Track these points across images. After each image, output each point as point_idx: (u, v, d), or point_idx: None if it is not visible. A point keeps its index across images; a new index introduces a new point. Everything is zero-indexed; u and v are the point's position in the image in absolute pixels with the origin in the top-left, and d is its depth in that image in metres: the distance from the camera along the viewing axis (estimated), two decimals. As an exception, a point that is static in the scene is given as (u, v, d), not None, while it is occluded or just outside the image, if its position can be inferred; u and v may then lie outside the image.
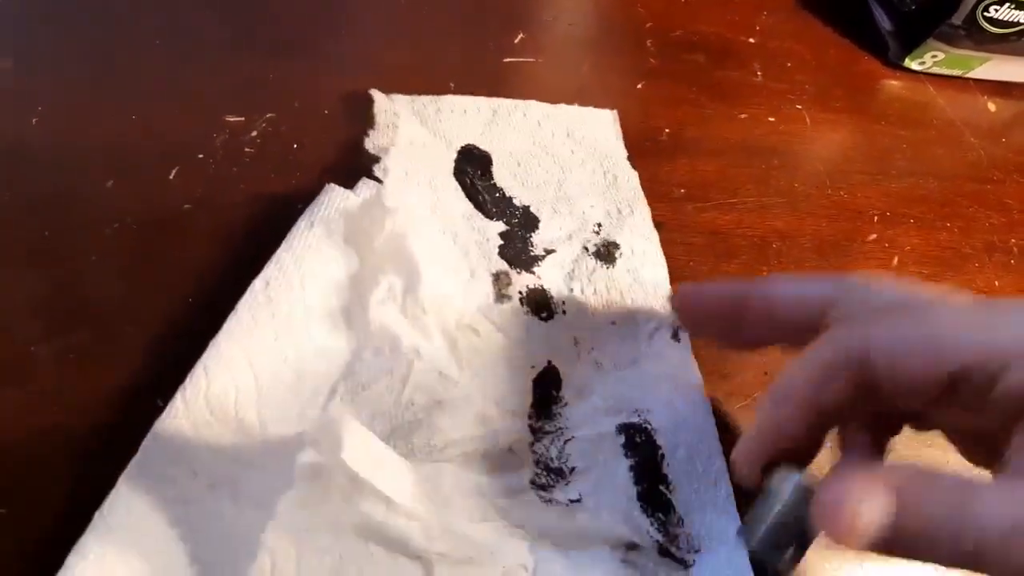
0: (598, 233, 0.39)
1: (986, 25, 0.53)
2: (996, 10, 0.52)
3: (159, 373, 0.29)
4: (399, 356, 0.31)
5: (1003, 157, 0.58)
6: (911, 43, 0.57)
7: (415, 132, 0.39)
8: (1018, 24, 0.54)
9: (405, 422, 0.30)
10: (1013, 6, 0.52)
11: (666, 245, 0.41)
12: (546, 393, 0.33)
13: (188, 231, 0.33)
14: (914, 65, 0.58)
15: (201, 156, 0.35)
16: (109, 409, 0.29)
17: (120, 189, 0.33)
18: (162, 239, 0.32)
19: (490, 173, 0.40)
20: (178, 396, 0.28)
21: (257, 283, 0.30)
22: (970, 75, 0.60)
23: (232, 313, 0.30)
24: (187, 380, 0.28)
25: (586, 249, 0.39)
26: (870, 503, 0.19)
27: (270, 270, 0.31)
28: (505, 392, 0.32)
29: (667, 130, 0.46)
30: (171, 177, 0.34)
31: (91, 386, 0.29)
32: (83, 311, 0.31)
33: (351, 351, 0.31)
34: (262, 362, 0.29)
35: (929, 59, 0.57)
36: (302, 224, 0.32)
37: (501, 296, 0.35)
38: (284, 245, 0.32)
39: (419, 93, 0.41)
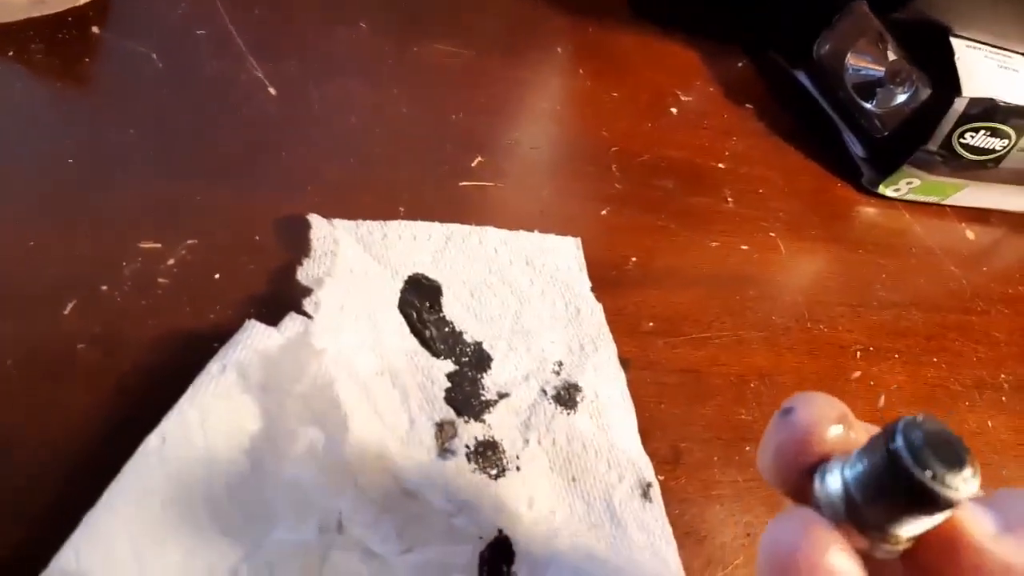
0: (558, 373, 0.35)
1: (962, 151, 0.52)
2: (972, 136, 0.51)
3: (30, 553, 0.24)
4: (317, 528, 0.26)
5: (986, 287, 0.55)
6: (886, 169, 0.55)
7: (356, 260, 0.35)
8: (994, 151, 0.53)
9: (322, 610, 0.25)
10: (989, 133, 0.51)
11: (634, 385, 0.37)
12: (495, 569, 0.28)
13: (79, 376, 0.28)
14: (889, 192, 0.56)
15: (105, 288, 0.30)
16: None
17: (2, 327, 0.28)
18: (47, 386, 0.28)
19: (439, 305, 0.36)
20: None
21: (151, 440, 0.26)
22: (946, 202, 0.58)
23: (117, 477, 0.25)
24: (52, 563, 0.23)
25: (544, 392, 0.34)
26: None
27: (168, 424, 0.26)
28: (445, 571, 0.27)
29: (634, 259, 0.43)
30: (65, 312, 0.29)
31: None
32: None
33: (260, 521, 0.26)
34: (147, 539, 0.24)
35: (904, 185, 0.56)
36: (213, 368, 0.28)
37: (444, 451, 0.30)
38: (189, 393, 0.27)
39: (365, 218, 0.37)
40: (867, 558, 0.17)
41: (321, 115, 0.41)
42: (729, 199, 0.50)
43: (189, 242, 0.33)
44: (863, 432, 0.18)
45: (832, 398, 0.18)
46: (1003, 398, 0.49)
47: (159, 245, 0.33)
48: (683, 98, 0.55)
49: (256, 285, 0.33)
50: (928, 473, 0.15)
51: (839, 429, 0.18)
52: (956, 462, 0.15)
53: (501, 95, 0.49)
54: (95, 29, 0.39)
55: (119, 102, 0.37)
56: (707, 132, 0.54)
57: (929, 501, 0.16)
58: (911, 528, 0.16)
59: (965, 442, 0.16)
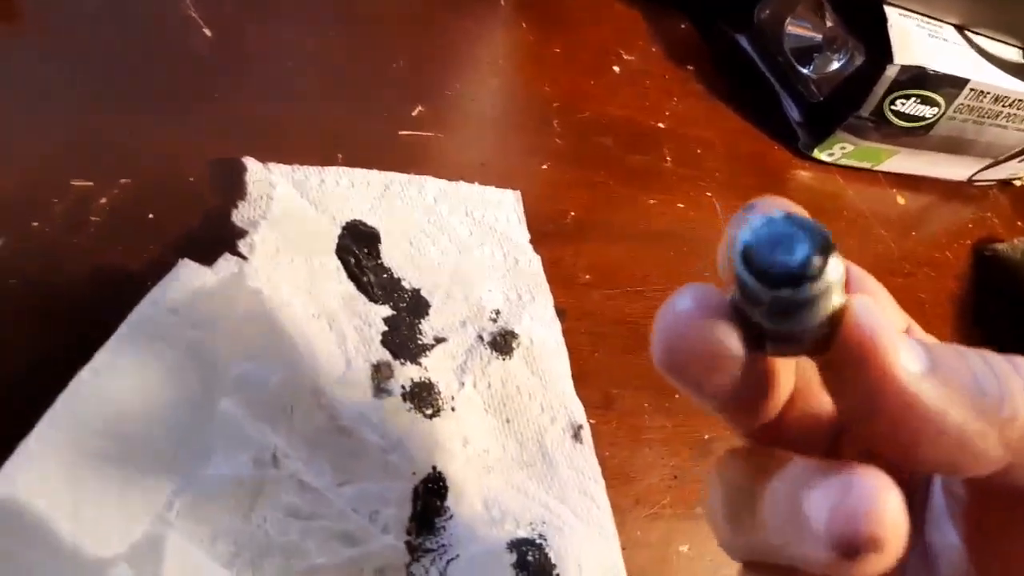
0: (495, 321, 0.36)
1: (893, 118, 0.54)
2: (903, 104, 0.53)
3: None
4: (251, 462, 0.26)
5: (913, 250, 0.57)
6: (820, 134, 0.57)
7: (293, 205, 0.35)
8: (924, 119, 0.54)
9: (255, 543, 0.25)
10: (919, 100, 0.53)
11: (569, 335, 0.37)
12: (428, 503, 0.29)
13: (10, 311, 0.28)
14: (823, 156, 0.58)
15: (36, 224, 0.30)
16: None
17: (-71, 262, 0.28)
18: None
19: (378, 251, 0.36)
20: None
21: (84, 372, 0.25)
22: (879, 168, 0.60)
23: (50, 408, 0.25)
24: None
25: (481, 338, 0.35)
26: (910, 346, 0.16)
27: (101, 357, 0.26)
28: (379, 504, 0.28)
29: (572, 213, 0.43)
30: (-6, 248, 0.29)
31: None
32: None
33: (194, 455, 0.26)
34: (82, 467, 0.24)
35: (838, 150, 0.57)
36: (146, 304, 0.28)
37: (380, 390, 0.31)
38: (122, 328, 0.27)
39: (302, 163, 0.37)
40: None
41: (257, 58, 0.40)
42: (668, 158, 0.51)
43: (122, 181, 0.33)
44: None
45: (792, 203, 0.19)
46: (923, 355, 0.51)
47: (91, 183, 0.32)
48: (626, 57, 0.55)
49: (190, 226, 0.33)
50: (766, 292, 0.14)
51: None
52: (797, 264, 0.14)
53: (443, 45, 0.48)
54: (23, -40, 0.37)
55: (47, 33, 0.36)
56: (648, 92, 0.54)
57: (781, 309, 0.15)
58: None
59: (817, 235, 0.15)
